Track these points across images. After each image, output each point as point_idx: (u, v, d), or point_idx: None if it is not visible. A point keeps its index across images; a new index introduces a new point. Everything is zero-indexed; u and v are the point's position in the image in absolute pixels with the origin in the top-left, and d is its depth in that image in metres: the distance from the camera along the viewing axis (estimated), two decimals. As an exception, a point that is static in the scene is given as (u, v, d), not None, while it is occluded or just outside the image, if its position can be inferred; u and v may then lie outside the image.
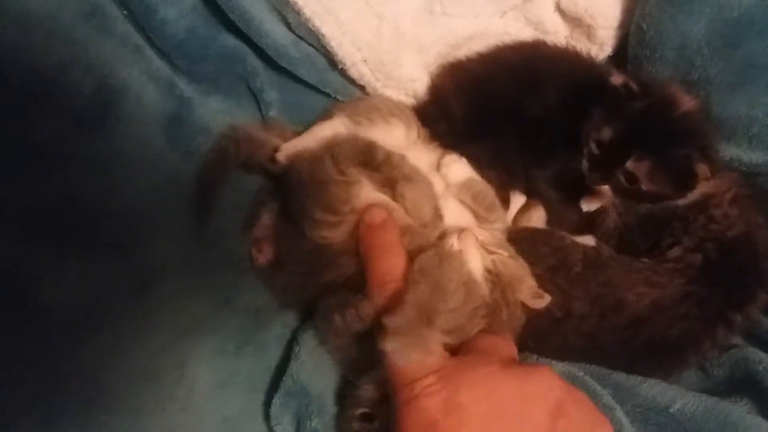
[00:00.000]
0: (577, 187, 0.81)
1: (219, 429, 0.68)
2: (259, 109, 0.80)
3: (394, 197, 0.73)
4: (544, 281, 0.74)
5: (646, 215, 0.79)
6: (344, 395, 0.71)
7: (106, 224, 0.65)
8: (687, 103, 0.73)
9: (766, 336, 0.76)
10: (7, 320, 0.58)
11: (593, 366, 0.72)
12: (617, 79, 0.74)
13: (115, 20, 0.67)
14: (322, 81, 0.80)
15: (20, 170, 0.60)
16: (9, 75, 0.59)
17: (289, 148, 0.75)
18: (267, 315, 0.76)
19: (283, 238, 0.75)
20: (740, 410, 0.68)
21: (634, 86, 0.73)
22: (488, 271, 0.71)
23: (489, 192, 0.80)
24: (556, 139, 0.81)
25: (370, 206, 0.70)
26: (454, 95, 0.84)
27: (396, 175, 0.72)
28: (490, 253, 0.73)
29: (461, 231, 0.72)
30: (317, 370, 0.72)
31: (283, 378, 0.70)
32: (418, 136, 0.83)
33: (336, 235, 0.71)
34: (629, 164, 0.72)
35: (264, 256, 0.75)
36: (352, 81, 0.82)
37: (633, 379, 0.70)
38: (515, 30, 0.89)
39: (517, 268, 0.73)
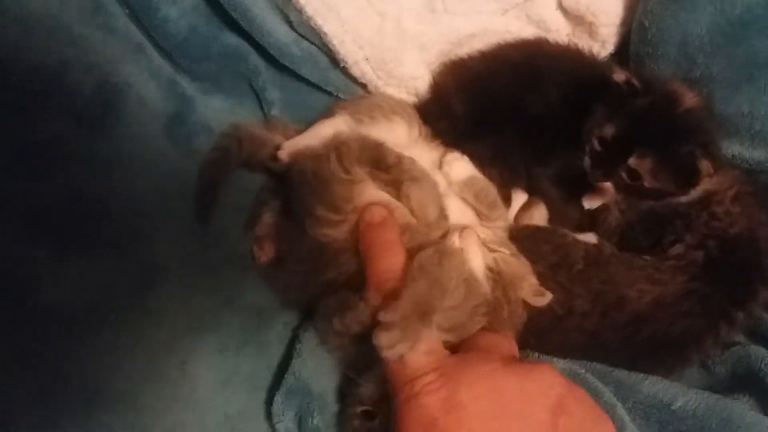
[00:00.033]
0: (579, 185, 0.81)
1: (221, 427, 0.68)
2: (261, 107, 0.80)
3: (398, 197, 0.73)
4: (545, 279, 0.74)
5: (649, 212, 0.79)
6: (345, 393, 0.71)
7: (106, 223, 0.65)
8: (690, 99, 0.73)
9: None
10: (8, 320, 0.58)
11: (595, 363, 0.72)
12: (619, 75, 0.74)
13: (117, 19, 0.68)
14: (323, 79, 0.80)
15: (21, 170, 0.60)
16: (10, 74, 0.60)
17: (290, 146, 0.75)
18: (269, 313, 0.76)
19: (285, 236, 0.75)
20: (742, 407, 0.68)
21: (636, 83, 0.73)
22: (490, 269, 0.71)
23: (491, 190, 0.80)
24: (557, 136, 0.81)
25: (370, 205, 0.70)
26: (456, 93, 0.84)
27: (403, 176, 0.72)
28: (492, 251, 0.73)
29: (463, 229, 0.72)
30: (319, 368, 0.72)
31: (285, 376, 0.70)
32: (420, 134, 0.83)
33: (338, 233, 0.71)
34: (632, 161, 0.72)
35: (266, 254, 0.75)
36: (353, 79, 0.82)
37: (635, 377, 0.70)
38: (517, 28, 0.89)
39: (518, 266, 0.73)
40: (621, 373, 0.70)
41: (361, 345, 0.68)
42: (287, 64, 0.77)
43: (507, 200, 0.86)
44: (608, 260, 0.78)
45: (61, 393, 0.60)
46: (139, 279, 0.66)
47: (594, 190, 0.81)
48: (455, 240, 0.70)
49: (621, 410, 0.63)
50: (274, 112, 0.80)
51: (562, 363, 0.70)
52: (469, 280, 0.68)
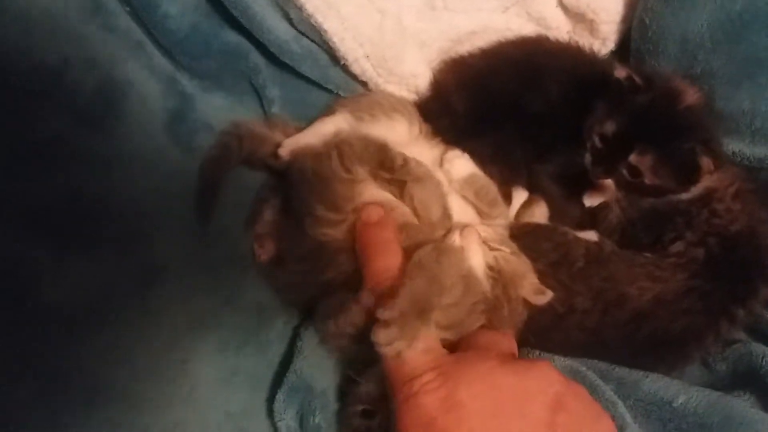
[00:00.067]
0: (580, 183, 0.82)
1: (222, 425, 0.68)
2: (262, 105, 0.80)
3: (400, 196, 0.73)
4: (546, 276, 0.74)
5: (649, 210, 0.79)
6: (346, 392, 0.72)
7: (107, 222, 0.65)
8: (691, 96, 0.73)
9: (768, 330, 0.76)
10: (8, 320, 0.58)
11: (596, 361, 0.72)
12: (620, 72, 0.74)
13: (117, 17, 0.67)
14: (324, 77, 0.80)
15: (21, 169, 0.60)
16: (10, 73, 0.59)
17: (291, 144, 0.76)
18: (269, 312, 0.76)
19: (285, 235, 0.75)
20: (743, 405, 0.68)
21: (637, 79, 0.73)
22: (490, 267, 0.71)
23: (491, 187, 0.80)
24: (558, 134, 0.81)
25: (367, 204, 0.70)
26: (456, 91, 0.84)
27: (406, 176, 0.72)
28: (492, 249, 0.73)
29: (464, 227, 0.72)
30: (320, 366, 0.72)
31: (287, 374, 0.71)
32: (420, 131, 0.83)
33: (337, 233, 0.71)
34: (632, 158, 0.72)
35: (266, 252, 0.75)
36: (354, 77, 0.82)
37: (636, 374, 0.70)
38: (517, 25, 0.89)
39: (519, 264, 0.73)
40: (622, 371, 0.70)
41: (361, 345, 0.68)
42: (287, 61, 0.77)
43: (507, 198, 0.86)
44: (609, 258, 0.78)
45: (62, 392, 0.59)
46: (140, 278, 0.66)
47: (595, 187, 0.81)
48: (456, 238, 0.70)
49: (622, 408, 0.63)
50: (275, 109, 0.80)
51: (562, 360, 0.70)
52: (467, 278, 0.67)
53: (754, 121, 0.74)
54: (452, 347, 0.62)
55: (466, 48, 0.87)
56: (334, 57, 0.80)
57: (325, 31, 0.76)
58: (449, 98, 0.83)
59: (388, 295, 0.61)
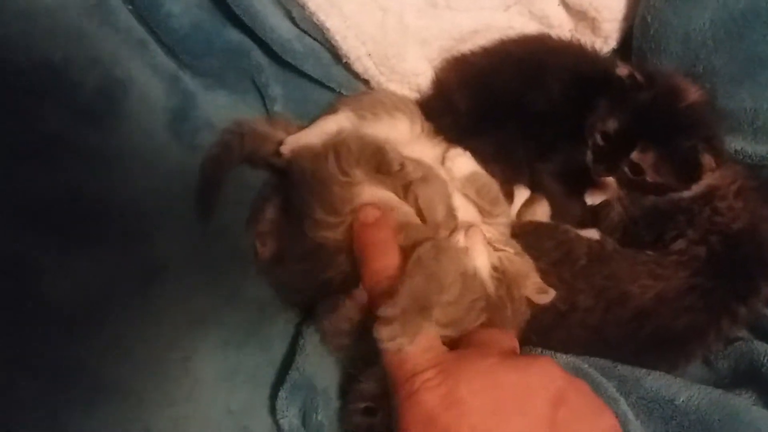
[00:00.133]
0: (581, 181, 0.82)
1: (224, 421, 0.68)
2: (264, 104, 0.80)
3: (404, 196, 0.73)
4: (548, 275, 0.74)
5: (651, 208, 0.79)
6: (347, 390, 0.72)
7: (108, 221, 0.65)
8: (693, 94, 0.73)
9: (770, 328, 0.76)
10: (10, 318, 0.58)
11: (598, 359, 0.72)
12: (623, 70, 0.74)
13: (120, 14, 0.67)
14: (326, 75, 0.80)
15: (22, 167, 0.60)
16: (11, 70, 0.59)
17: (293, 141, 0.75)
18: (271, 309, 0.76)
19: (285, 234, 0.75)
20: (745, 402, 0.68)
21: (639, 77, 0.73)
22: (494, 268, 0.71)
23: (493, 186, 0.80)
24: (560, 132, 0.81)
25: (364, 205, 0.70)
26: (458, 89, 0.84)
27: (408, 178, 0.71)
28: (497, 250, 0.73)
29: (468, 228, 0.72)
30: (322, 364, 0.72)
31: (290, 371, 0.71)
32: (422, 130, 0.83)
33: (336, 235, 0.71)
34: (634, 155, 0.72)
35: (268, 250, 0.76)
36: (356, 75, 0.82)
37: (638, 372, 0.70)
38: (519, 24, 0.89)
39: (522, 264, 0.73)
40: (624, 369, 0.70)
41: (361, 344, 0.68)
42: (290, 60, 0.77)
43: (509, 196, 0.86)
44: (611, 256, 0.78)
45: (63, 391, 0.60)
46: (141, 277, 0.66)
47: (596, 185, 0.81)
48: (460, 239, 0.70)
49: (624, 405, 0.63)
50: (277, 108, 0.80)
51: (564, 358, 0.70)
52: (466, 276, 0.68)
53: (755, 119, 0.75)
54: (453, 345, 0.62)
55: (468, 46, 0.87)
56: (336, 55, 0.80)
57: (327, 29, 0.76)
58: (451, 96, 0.84)
59: (386, 294, 0.61)
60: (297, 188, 0.73)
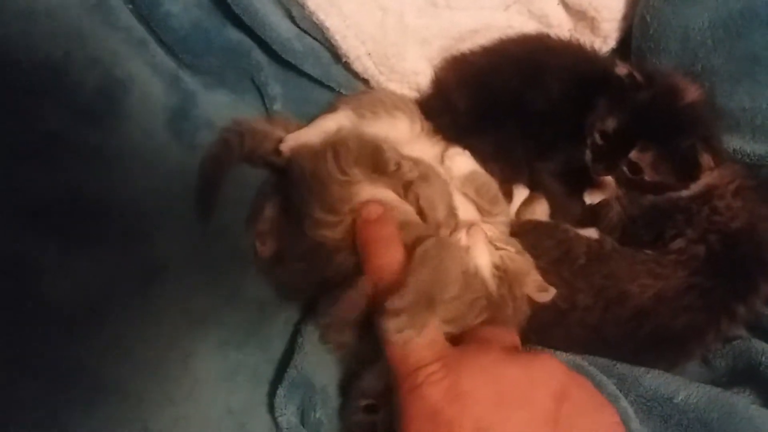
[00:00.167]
0: (581, 180, 0.82)
1: (224, 420, 0.68)
2: (264, 103, 0.80)
3: (404, 195, 0.73)
4: (548, 274, 0.74)
5: (650, 207, 0.79)
6: (348, 387, 0.72)
7: (109, 219, 0.65)
8: (692, 93, 0.74)
9: (768, 327, 0.76)
10: (9, 319, 0.58)
11: (597, 357, 0.72)
12: (622, 69, 0.74)
13: (120, 14, 0.67)
14: (326, 75, 0.80)
15: (22, 166, 0.60)
16: (11, 70, 0.59)
17: (293, 139, 0.75)
18: (271, 308, 0.76)
19: (285, 232, 0.75)
20: (744, 401, 0.68)
21: (638, 76, 0.73)
22: (496, 267, 0.71)
23: (492, 185, 0.80)
24: (559, 132, 0.81)
25: (367, 201, 0.70)
26: (458, 88, 0.84)
27: (407, 177, 0.72)
28: (498, 249, 0.73)
29: (470, 227, 0.72)
30: (321, 362, 0.73)
31: (287, 369, 0.71)
32: (422, 129, 0.83)
33: (335, 234, 0.71)
34: (633, 154, 0.73)
35: (268, 249, 0.75)
36: (355, 74, 0.82)
37: (637, 370, 0.70)
38: (519, 23, 0.89)
39: (523, 263, 0.73)
40: (623, 367, 0.70)
41: (362, 341, 0.68)
42: (289, 59, 0.77)
43: (508, 195, 0.86)
44: (610, 255, 0.78)
45: (63, 391, 0.60)
46: (141, 277, 0.66)
47: (595, 185, 0.81)
48: (462, 237, 0.70)
49: (624, 402, 0.63)
50: (276, 107, 0.80)
51: (564, 356, 0.70)
52: (467, 274, 0.68)
53: (754, 118, 0.75)
54: (455, 341, 0.62)
55: (467, 46, 0.87)
56: (335, 55, 0.80)
57: (327, 28, 0.77)
58: (450, 96, 0.84)
59: (391, 289, 0.61)
60: (296, 187, 0.73)
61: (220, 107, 0.76)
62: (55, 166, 0.62)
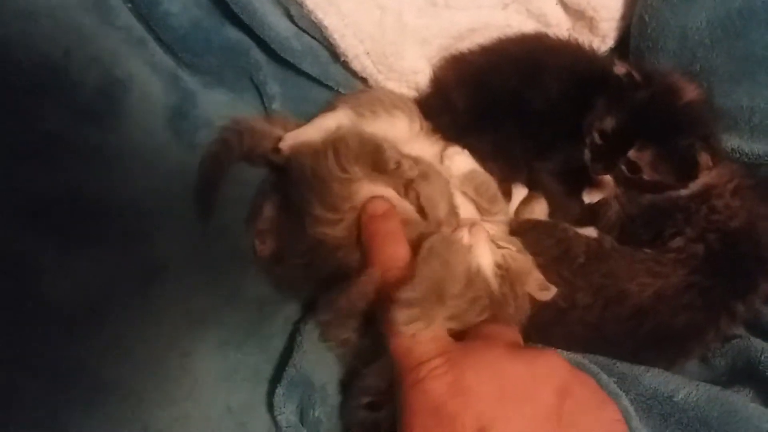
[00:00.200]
0: (579, 179, 0.82)
1: (223, 419, 0.68)
2: (263, 102, 0.80)
3: (405, 193, 0.73)
4: (547, 272, 0.74)
5: (648, 206, 0.79)
6: (348, 385, 0.72)
7: (109, 219, 0.65)
8: (690, 92, 0.74)
9: (767, 326, 0.77)
10: (9, 318, 0.58)
11: (597, 356, 0.72)
12: (620, 68, 0.75)
13: (119, 13, 0.68)
14: (324, 74, 0.80)
15: (22, 166, 0.60)
16: (11, 69, 0.59)
17: (293, 137, 0.75)
18: (270, 307, 0.76)
19: (285, 230, 0.75)
20: (743, 399, 0.68)
21: (636, 75, 0.74)
22: (498, 266, 0.71)
23: (491, 184, 0.80)
24: (558, 131, 0.81)
25: (373, 197, 0.70)
26: (457, 88, 0.84)
27: (407, 175, 0.72)
28: (500, 247, 0.73)
29: (472, 225, 0.72)
30: (320, 361, 0.72)
31: (286, 368, 0.71)
32: (421, 128, 0.83)
33: (336, 231, 0.71)
34: (631, 153, 0.73)
35: (267, 248, 0.75)
36: (354, 74, 0.82)
37: (636, 369, 0.70)
38: (517, 22, 0.89)
39: (525, 261, 0.73)
40: (623, 366, 0.70)
41: (364, 338, 0.68)
42: (288, 58, 0.77)
43: (507, 195, 0.86)
44: (609, 254, 0.78)
45: (63, 391, 0.60)
46: (141, 276, 0.66)
47: (594, 184, 0.81)
48: (464, 236, 0.70)
49: (625, 401, 0.63)
50: (275, 106, 0.80)
51: (565, 354, 0.69)
52: (469, 271, 0.68)
53: (752, 117, 0.75)
54: (457, 338, 0.62)
55: (466, 45, 0.87)
56: (334, 54, 0.80)
57: (326, 27, 0.76)
58: (449, 95, 0.84)
59: (397, 283, 0.61)
60: (296, 185, 0.73)
61: (220, 106, 0.76)
62: (55, 166, 0.62)
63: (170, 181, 0.70)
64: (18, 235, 0.59)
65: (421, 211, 0.72)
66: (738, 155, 0.77)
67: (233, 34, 0.75)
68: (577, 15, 0.90)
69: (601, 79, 0.78)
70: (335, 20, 0.77)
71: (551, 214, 0.87)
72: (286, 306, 0.77)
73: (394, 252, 0.66)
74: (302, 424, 0.70)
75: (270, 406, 0.70)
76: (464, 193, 0.79)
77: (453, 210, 0.74)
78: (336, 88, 0.82)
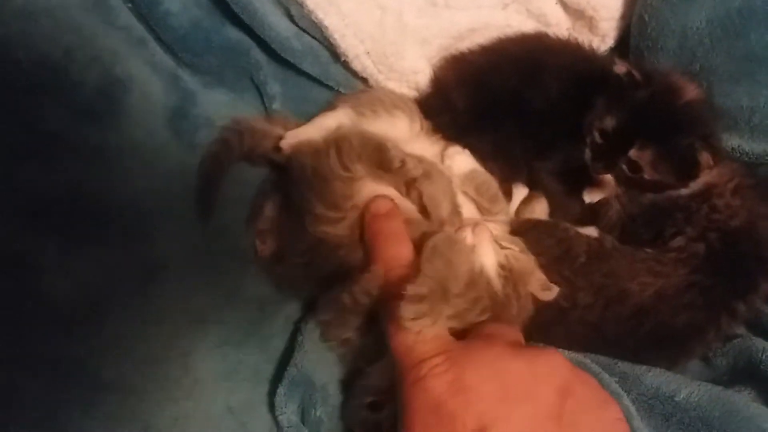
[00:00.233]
0: (580, 179, 0.82)
1: (224, 418, 0.68)
2: (263, 102, 0.80)
3: (407, 192, 0.73)
4: (548, 272, 0.74)
5: (649, 205, 0.79)
6: (349, 385, 0.72)
7: (109, 218, 0.65)
8: (690, 92, 0.74)
9: (768, 325, 0.77)
10: (11, 315, 0.58)
11: (598, 356, 0.72)
12: (620, 67, 0.74)
13: (119, 13, 0.68)
14: (324, 74, 0.81)
15: (22, 165, 0.60)
16: (14, 68, 0.59)
17: (294, 136, 0.75)
18: (271, 307, 0.76)
19: (285, 229, 0.75)
20: (745, 399, 0.68)
21: (637, 75, 0.73)
22: (501, 266, 0.71)
23: (492, 183, 0.80)
24: (558, 130, 0.81)
25: (376, 196, 0.71)
26: (457, 87, 0.84)
27: (410, 174, 0.72)
28: (503, 248, 0.73)
29: (476, 225, 0.72)
30: (321, 360, 0.72)
31: (288, 368, 0.71)
32: (421, 128, 0.83)
33: (337, 230, 0.71)
34: (632, 153, 0.73)
35: (268, 247, 0.75)
36: (354, 73, 0.82)
37: (638, 369, 0.70)
38: (517, 22, 0.89)
39: (527, 262, 0.73)
40: (624, 366, 0.70)
41: (364, 338, 0.68)
42: (288, 58, 0.77)
43: (508, 194, 0.86)
44: (610, 254, 0.78)
45: (64, 389, 0.60)
46: (141, 275, 0.66)
47: (595, 183, 0.81)
48: (468, 236, 0.70)
49: (627, 400, 0.63)
50: (276, 106, 0.80)
51: (566, 354, 0.69)
52: (471, 271, 0.68)
53: (752, 117, 0.75)
54: (458, 338, 0.62)
55: (466, 45, 0.87)
56: (334, 54, 0.80)
57: (326, 27, 0.77)
58: (449, 95, 0.84)
59: (400, 282, 0.60)
60: (297, 184, 0.73)
61: (220, 106, 0.76)
62: (55, 166, 0.62)
63: (170, 181, 0.70)
64: (18, 235, 0.59)
65: (423, 210, 0.72)
66: (738, 155, 0.77)
67: (233, 34, 0.75)
68: (576, 14, 0.90)
69: (601, 78, 0.78)
70: (336, 20, 0.77)
71: (552, 213, 0.87)
72: (286, 305, 0.77)
73: (397, 251, 0.66)
74: (303, 424, 0.70)
75: (271, 406, 0.70)
76: (465, 193, 0.79)
77: (456, 209, 0.74)
78: (336, 88, 0.82)
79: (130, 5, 0.68)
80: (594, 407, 0.57)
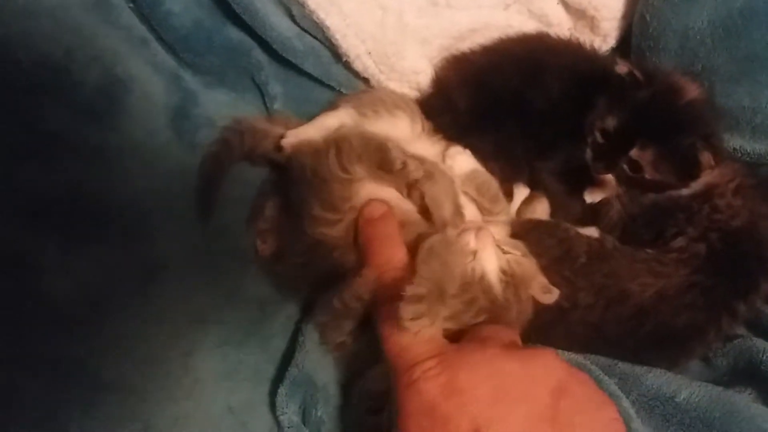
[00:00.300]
0: (581, 179, 0.82)
1: (225, 418, 0.69)
2: (264, 102, 0.80)
3: (407, 194, 0.73)
4: (549, 272, 0.74)
5: (650, 205, 0.79)
6: (349, 386, 0.72)
7: (109, 218, 0.65)
8: (692, 92, 0.74)
9: (769, 326, 0.76)
10: (11, 315, 0.58)
11: (598, 356, 0.72)
12: (622, 67, 0.74)
13: (121, 12, 0.68)
14: (326, 74, 0.81)
15: (23, 164, 0.60)
16: (14, 67, 0.59)
17: (295, 135, 0.75)
18: (271, 306, 0.76)
19: (285, 229, 0.75)
20: (745, 399, 0.68)
21: (638, 75, 0.73)
22: (503, 271, 0.70)
23: (493, 183, 0.80)
24: (559, 130, 0.81)
25: (370, 200, 0.70)
26: (458, 88, 0.84)
27: (412, 176, 0.71)
28: (505, 252, 0.73)
29: (479, 230, 0.71)
30: (322, 360, 0.72)
31: (289, 368, 0.71)
32: (423, 128, 0.83)
33: (335, 232, 0.71)
34: (633, 152, 0.73)
35: (268, 247, 0.75)
36: (356, 74, 0.82)
37: (638, 369, 0.69)
38: (518, 22, 0.89)
39: (529, 266, 0.73)
40: (624, 366, 0.70)
41: (359, 343, 0.68)
42: (290, 58, 0.77)
43: (509, 194, 0.86)
44: (611, 254, 0.78)
45: (64, 389, 0.60)
46: (141, 275, 0.66)
47: (596, 183, 0.81)
48: (471, 241, 0.70)
49: (626, 402, 0.63)
50: (277, 106, 0.80)
51: (565, 355, 0.69)
52: (466, 273, 0.67)
53: (754, 117, 0.75)
54: (453, 340, 0.62)
55: (467, 45, 0.87)
56: (335, 54, 0.80)
57: (327, 27, 0.77)
58: (451, 95, 0.84)
59: (393, 285, 0.61)
60: (296, 184, 0.74)
61: (221, 106, 0.76)
62: (55, 165, 0.62)
63: (171, 181, 0.70)
64: (18, 235, 0.59)
65: (424, 211, 0.72)
66: (740, 155, 0.77)
67: (235, 34, 0.75)
68: (578, 14, 0.90)
69: (602, 78, 0.78)
70: (337, 20, 0.77)
71: (553, 213, 0.86)
72: (287, 305, 0.77)
73: (390, 255, 0.66)
74: (304, 424, 0.70)
75: (271, 406, 0.70)
76: (466, 194, 0.79)
77: (458, 210, 0.74)
78: (338, 89, 0.82)
79: (131, 5, 0.69)
80: (590, 407, 0.57)
